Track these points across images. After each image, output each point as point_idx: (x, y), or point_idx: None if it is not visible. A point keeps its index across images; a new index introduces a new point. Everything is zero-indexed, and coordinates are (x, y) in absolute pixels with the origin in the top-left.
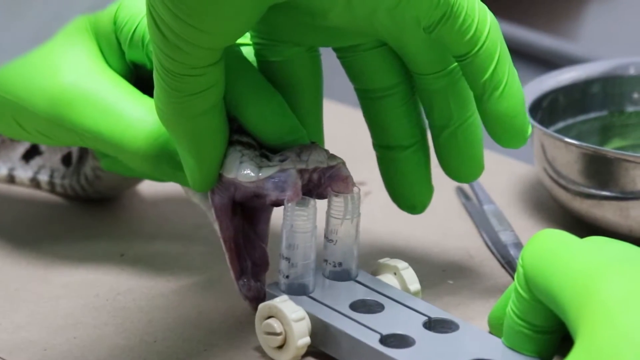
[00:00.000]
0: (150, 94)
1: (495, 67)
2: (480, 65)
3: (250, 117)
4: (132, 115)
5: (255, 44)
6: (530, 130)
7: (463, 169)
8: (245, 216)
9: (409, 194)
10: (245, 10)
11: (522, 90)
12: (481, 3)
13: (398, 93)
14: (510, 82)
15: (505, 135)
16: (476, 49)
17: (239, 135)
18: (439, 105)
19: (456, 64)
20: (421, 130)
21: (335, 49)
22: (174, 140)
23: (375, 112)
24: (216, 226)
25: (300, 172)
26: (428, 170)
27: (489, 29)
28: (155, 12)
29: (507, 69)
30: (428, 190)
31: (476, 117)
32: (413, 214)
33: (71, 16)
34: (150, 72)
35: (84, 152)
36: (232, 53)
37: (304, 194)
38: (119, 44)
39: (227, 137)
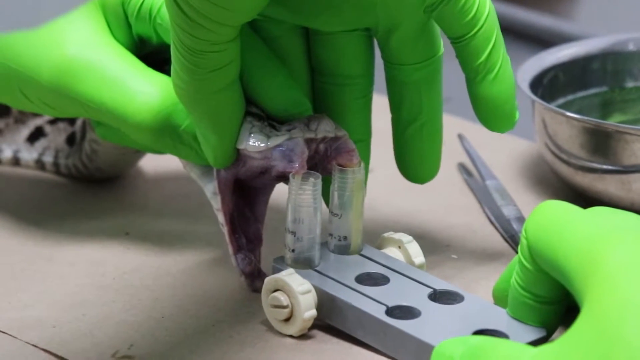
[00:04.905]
0: (155, 69)
1: (491, 50)
2: (477, 47)
3: (257, 89)
4: (136, 88)
5: None
6: (517, 116)
7: (422, 167)
8: (244, 196)
9: None
10: None
11: (513, 76)
12: None
13: (359, 85)
14: (503, 67)
15: (495, 119)
16: (475, 30)
17: (247, 105)
18: (410, 98)
19: (435, 57)
20: (368, 131)
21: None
22: (193, 119)
23: (331, 99)
24: (214, 202)
25: (308, 142)
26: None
27: (488, 11)
28: None
29: (502, 54)
30: None
31: (441, 117)
32: None
33: None
34: (156, 46)
35: (86, 129)
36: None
37: (309, 167)
38: (126, 16)
39: (244, 111)
